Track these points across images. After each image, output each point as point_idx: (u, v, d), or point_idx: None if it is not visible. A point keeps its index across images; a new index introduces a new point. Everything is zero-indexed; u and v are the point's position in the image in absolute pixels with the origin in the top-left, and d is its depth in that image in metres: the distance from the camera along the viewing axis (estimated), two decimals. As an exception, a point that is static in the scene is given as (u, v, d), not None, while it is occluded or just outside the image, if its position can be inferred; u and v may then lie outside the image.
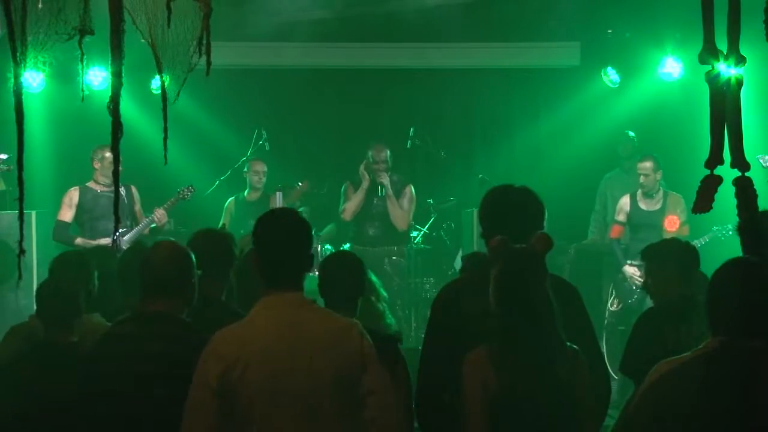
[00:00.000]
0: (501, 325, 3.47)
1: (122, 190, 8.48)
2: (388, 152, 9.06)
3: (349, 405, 3.34)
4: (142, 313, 3.81)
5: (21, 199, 3.39)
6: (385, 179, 9.00)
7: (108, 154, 8.34)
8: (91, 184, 8.42)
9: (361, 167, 9.07)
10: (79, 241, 8.27)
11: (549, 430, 3.43)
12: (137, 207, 8.59)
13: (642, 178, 8.68)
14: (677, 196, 8.61)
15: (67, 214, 8.38)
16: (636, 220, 8.68)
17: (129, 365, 3.67)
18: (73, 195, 8.40)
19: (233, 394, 3.28)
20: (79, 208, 8.35)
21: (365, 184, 9.01)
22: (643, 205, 8.69)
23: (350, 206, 9.05)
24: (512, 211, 3.92)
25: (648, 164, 8.67)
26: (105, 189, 8.32)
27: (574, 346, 3.53)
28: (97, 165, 8.39)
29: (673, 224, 8.49)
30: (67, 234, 8.36)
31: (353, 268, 4.42)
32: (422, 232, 9.40)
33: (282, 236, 3.50)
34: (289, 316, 3.39)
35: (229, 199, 9.18)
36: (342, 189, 9.21)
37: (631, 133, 9.62)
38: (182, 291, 3.83)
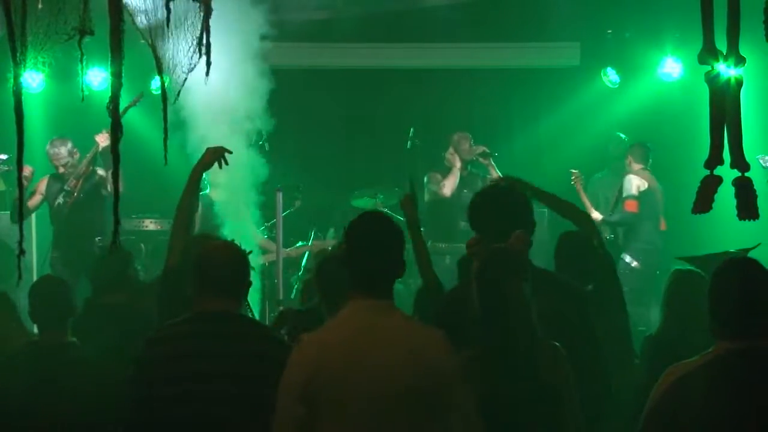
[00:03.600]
0: (481, 326, 3.49)
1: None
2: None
3: (426, 417, 3.22)
4: (205, 313, 3.76)
5: (20, 199, 3.41)
6: (487, 157, 9.04)
7: (57, 152, 8.51)
8: (49, 179, 8.61)
9: (448, 153, 9.13)
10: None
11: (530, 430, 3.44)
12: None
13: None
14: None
15: (32, 201, 8.50)
16: None
17: (202, 365, 3.64)
18: (42, 184, 8.58)
19: (315, 400, 3.22)
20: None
21: (458, 164, 9.05)
22: None
23: (450, 182, 9.05)
24: (493, 212, 3.96)
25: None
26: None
27: (555, 343, 3.54)
28: (52, 162, 8.57)
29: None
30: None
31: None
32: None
33: (372, 241, 3.37)
34: (371, 323, 3.28)
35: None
36: (425, 179, 9.19)
37: (623, 135, 9.61)
38: (241, 291, 3.84)
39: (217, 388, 3.60)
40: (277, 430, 3.29)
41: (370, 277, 3.33)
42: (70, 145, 8.52)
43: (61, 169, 8.49)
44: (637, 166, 9.11)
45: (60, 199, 8.42)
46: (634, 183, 9.02)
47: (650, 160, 9.13)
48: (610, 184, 9.42)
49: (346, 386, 3.20)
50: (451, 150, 9.21)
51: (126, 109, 7.75)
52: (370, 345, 3.23)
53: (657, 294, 6.21)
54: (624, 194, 9.03)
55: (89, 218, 8.39)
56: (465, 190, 8.94)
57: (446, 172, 9.26)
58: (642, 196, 8.98)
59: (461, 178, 9.12)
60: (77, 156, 8.49)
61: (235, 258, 3.84)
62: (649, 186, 9.03)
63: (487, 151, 9.03)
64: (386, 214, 3.58)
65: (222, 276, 3.78)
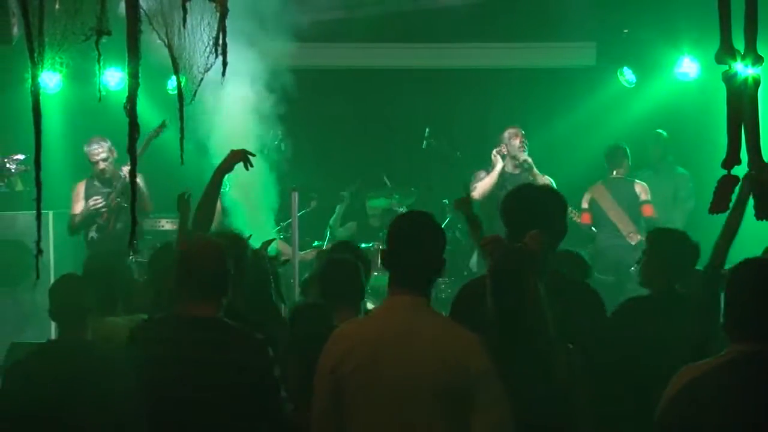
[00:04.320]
0: (495, 325, 3.49)
1: (122, 184, 8.49)
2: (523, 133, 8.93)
3: (451, 417, 3.24)
4: (184, 316, 3.77)
5: (38, 199, 3.41)
6: (527, 156, 8.79)
7: (94, 150, 8.49)
8: (90, 182, 8.57)
9: (494, 152, 8.88)
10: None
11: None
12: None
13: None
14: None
15: (76, 207, 8.51)
16: None
17: (171, 370, 3.66)
18: (79, 188, 8.54)
19: (341, 387, 3.33)
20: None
21: (498, 166, 8.80)
22: None
23: (482, 185, 8.75)
24: (527, 210, 3.95)
25: None
26: (101, 188, 8.53)
27: (568, 344, 3.54)
28: (90, 161, 8.54)
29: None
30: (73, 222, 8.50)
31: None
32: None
33: (410, 239, 3.42)
34: (404, 319, 3.34)
35: None
36: (471, 178, 8.91)
37: (662, 132, 9.60)
38: (221, 291, 3.80)
39: (193, 395, 3.61)
40: (312, 416, 3.41)
41: (406, 273, 3.39)
42: (109, 143, 8.54)
43: (101, 165, 8.47)
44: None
45: (93, 234, 8.42)
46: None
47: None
48: (657, 185, 9.35)
49: (371, 377, 3.27)
50: (500, 147, 8.91)
51: (147, 142, 7.83)
52: (398, 339, 3.29)
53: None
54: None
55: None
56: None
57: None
58: None
59: (509, 176, 8.79)
60: (115, 155, 8.52)
61: (215, 258, 3.80)
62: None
63: (530, 161, 8.78)
64: (428, 214, 3.59)
65: (202, 279, 3.76)
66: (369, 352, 3.31)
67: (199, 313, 3.73)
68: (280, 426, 3.80)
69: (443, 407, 3.23)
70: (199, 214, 5.13)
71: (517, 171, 8.82)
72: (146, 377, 3.70)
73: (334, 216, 9.67)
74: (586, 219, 9.11)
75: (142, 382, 3.71)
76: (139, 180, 8.47)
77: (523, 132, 8.92)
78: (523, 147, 8.83)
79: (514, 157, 8.82)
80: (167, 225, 9.31)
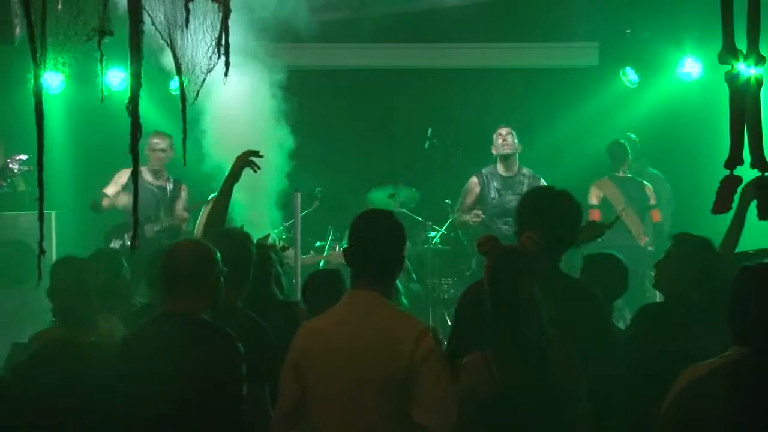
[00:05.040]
0: (492, 326, 3.51)
1: (169, 185, 8.55)
2: (515, 134, 8.68)
3: (397, 408, 3.36)
4: (164, 313, 3.83)
5: (41, 199, 3.42)
6: (507, 150, 8.57)
7: (155, 140, 8.52)
8: (143, 171, 8.49)
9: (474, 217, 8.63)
10: (105, 202, 8.48)
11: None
12: (180, 204, 8.67)
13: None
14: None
15: (109, 189, 8.53)
16: None
17: (152, 365, 3.67)
18: (123, 175, 8.48)
19: (303, 379, 3.51)
20: (126, 189, 8.42)
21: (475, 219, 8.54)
22: None
23: (462, 220, 8.64)
24: (535, 214, 3.96)
25: None
26: (150, 181, 8.53)
27: (568, 345, 3.54)
28: (147, 152, 8.52)
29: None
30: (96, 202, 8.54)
31: None
32: (440, 233, 9.39)
33: (370, 236, 3.58)
34: (359, 314, 3.51)
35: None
36: (466, 186, 8.77)
37: (633, 135, 9.55)
38: (204, 290, 3.82)
39: (170, 390, 3.62)
40: (277, 407, 3.61)
41: (365, 270, 3.54)
42: (170, 140, 8.60)
43: (158, 154, 8.56)
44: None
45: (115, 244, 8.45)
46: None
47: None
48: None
49: (326, 368, 3.45)
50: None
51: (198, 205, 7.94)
52: (351, 332, 3.45)
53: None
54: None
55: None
56: (510, 193, 8.52)
57: None
58: None
59: (505, 178, 8.64)
60: (172, 154, 8.56)
61: (198, 257, 3.83)
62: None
63: (507, 153, 8.59)
64: (389, 213, 3.72)
65: (183, 276, 3.79)
66: (325, 345, 3.48)
67: (180, 309, 3.77)
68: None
69: (392, 399, 3.36)
70: (209, 222, 5.19)
71: (510, 172, 8.68)
72: (127, 371, 3.75)
73: None
74: (596, 216, 8.79)
75: (123, 377, 3.76)
76: (183, 192, 8.63)
77: (508, 129, 8.69)
78: (506, 143, 8.60)
79: (500, 155, 8.67)
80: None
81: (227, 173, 5.38)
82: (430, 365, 3.36)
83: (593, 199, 9.05)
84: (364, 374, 3.38)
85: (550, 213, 3.98)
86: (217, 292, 3.87)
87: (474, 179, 8.71)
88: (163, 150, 8.56)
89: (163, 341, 3.71)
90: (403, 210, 9.34)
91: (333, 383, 3.43)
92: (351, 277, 3.61)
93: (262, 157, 5.49)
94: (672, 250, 4.70)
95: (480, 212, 8.41)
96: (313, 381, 3.48)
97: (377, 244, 3.54)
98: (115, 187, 8.52)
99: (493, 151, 8.71)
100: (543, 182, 8.41)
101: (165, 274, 3.84)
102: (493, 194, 8.58)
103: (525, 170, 8.68)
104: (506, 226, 8.17)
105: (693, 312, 4.39)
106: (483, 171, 8.72)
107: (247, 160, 5.36)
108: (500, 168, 8.68)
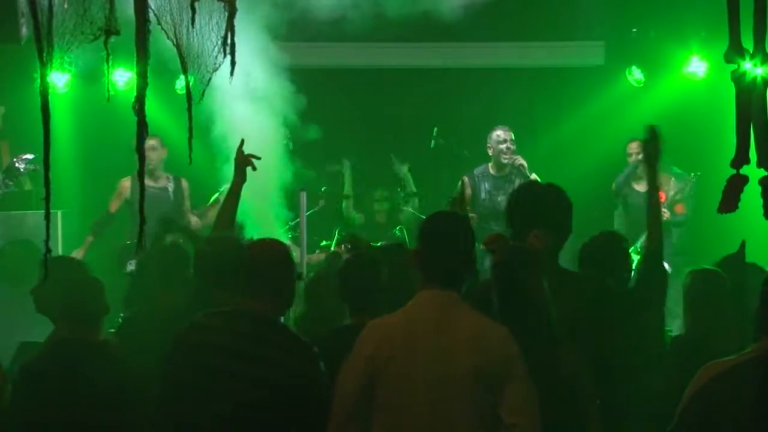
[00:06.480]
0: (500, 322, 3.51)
1: (170, 185, 8.54)
2: (512, 134, 8.61)
3: (484, 408, 3.37)
4: (237, 310, 3.79)
5: (47, 198, 3.42)
6: (522, 160, 8.50)
7: (152, 142, 8.43)
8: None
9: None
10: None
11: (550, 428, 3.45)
12: (186, 203, 8.64)
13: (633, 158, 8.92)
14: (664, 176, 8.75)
15: (113, 204, 8.56)
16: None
17: (212, 359, 3.66)
18: (123, 189, 8.52)
19: (378, 375, 3.46)
20: (131, 198, 8.45)
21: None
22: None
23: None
24: (527, 210, 3.96)
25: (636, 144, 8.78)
26: (150, 184, 8.39)
27: (573, 342, 3.55)
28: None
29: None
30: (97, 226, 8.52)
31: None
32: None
33: (442, 235, 3.60)
34: (437, 312, 3.49)
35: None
36: (459, 185, 8.57)
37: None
38: (284, 292, 3.82)
39: (237, 387, 3.60)
40: (337, 403, 3.51)
41: (438, 270, 3.55)
42: (159, 139, 8.59)
43: (149, 154, 8.32)
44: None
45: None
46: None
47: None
48: None
49: (406, 366, 3.42)
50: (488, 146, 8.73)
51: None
52: (430, 329, 3.43)
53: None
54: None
55: None
56: (500, 194, 8.43)
57: None
58: None
59: (496, 178, 8.63)
60: (165, 154, 8.54)
61: (281, 258, 3.84)
62: None
63: (525, 165, 8.52)
64: (458, 214, 3.82)
65: (267, 277, 3.78)
66: (404, 343, 3.45)
67: (258, 310, 3.74)
68: None
69: (480, 398, 3.36)
70: (219, 224, 5.21)
71: (502, 173, 8.63)
72: (188, 362, 3.70)
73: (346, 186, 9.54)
74: (680, 209, 8.96)
75: (186, 367, 3.70)
76: (185, 189, 8.54)
77: (510, 134, 8.64)
78: (510, 152, 8.55)
79: (500, 161, 8.59)
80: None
81: (233, 177, 5.40)
82: (520, 366, 3.39)
83: (674, 191, 9.08)
84: (450, 373, 3.38)
85: (546, 209, 3.99)
86: (292, 297, 3.88)
87: (465, 180, 8.69)
88: (153, 148, 8.47)
89: (232, 337, 3.68)
90: (408, 209, 9.33)
91: (414, 381, 3.41)
92: (422, 278, 3.60)
93: (259, 158, 5.50)
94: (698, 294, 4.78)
95: (474, 215, 8.37)
96: (390, 378, 3.45)
97: (448, 244, 3.57)
98: (118, 201, 8.55)
99: (490, 152, 8.69)
100: (535, 177, 8.37)
101: (249, 271, 3.79)
102: (484, 195, 8.59)
103: (516, 162, 8.54)
104: (498, 228, 8.10)
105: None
106: (474, 172, 8.71)
107: (247, 159, 5.38)
108: (492, 168, 8.68)
